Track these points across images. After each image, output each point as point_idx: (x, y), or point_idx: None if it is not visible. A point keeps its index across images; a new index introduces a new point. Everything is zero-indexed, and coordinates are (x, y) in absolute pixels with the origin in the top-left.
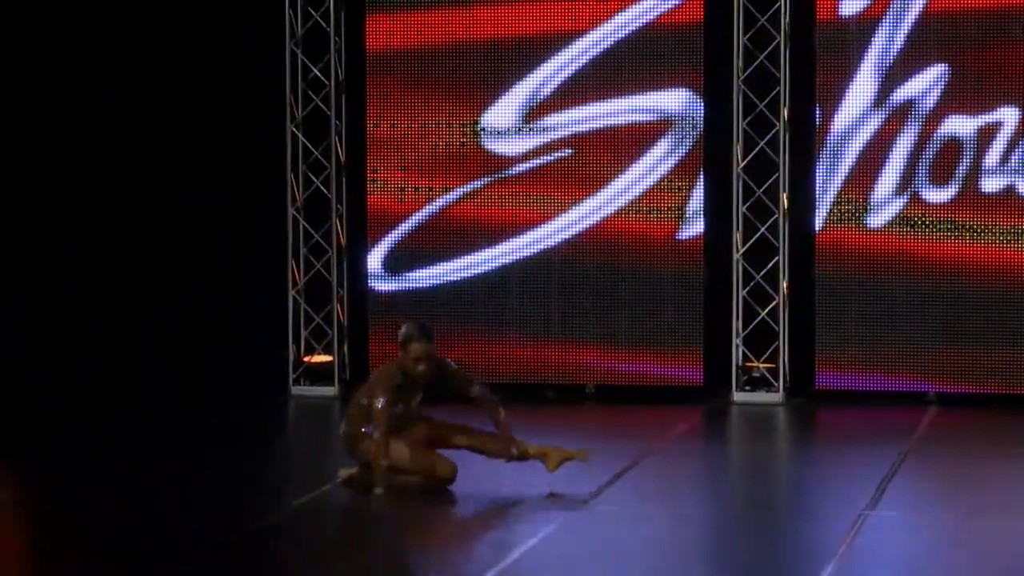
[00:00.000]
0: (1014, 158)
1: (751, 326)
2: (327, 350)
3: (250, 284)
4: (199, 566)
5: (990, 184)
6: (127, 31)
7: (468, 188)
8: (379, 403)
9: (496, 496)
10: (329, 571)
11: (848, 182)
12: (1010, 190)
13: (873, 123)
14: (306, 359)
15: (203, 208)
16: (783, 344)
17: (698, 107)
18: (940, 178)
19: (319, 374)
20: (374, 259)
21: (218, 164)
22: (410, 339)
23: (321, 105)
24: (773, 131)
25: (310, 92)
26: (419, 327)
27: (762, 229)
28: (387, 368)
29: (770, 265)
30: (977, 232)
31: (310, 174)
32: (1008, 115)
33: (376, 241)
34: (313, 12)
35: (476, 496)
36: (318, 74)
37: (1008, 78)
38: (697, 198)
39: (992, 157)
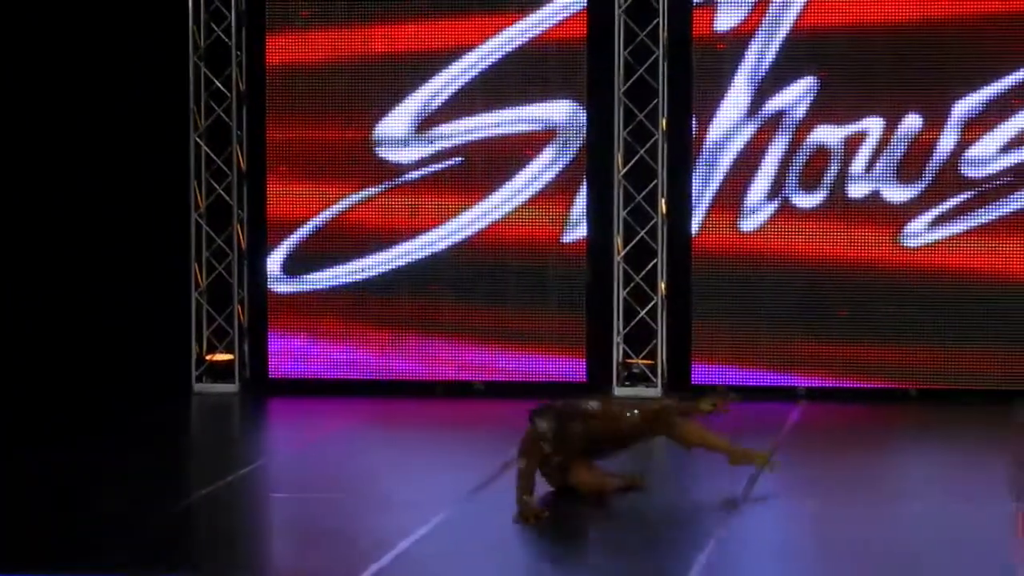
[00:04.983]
0: (878, 165)
1: (631, 325)
2: (228, 349)
3: (155, 286)
4: (108, 554)
5: (856, 190)
6: (35, 44)
7: (363, 194)
8: (520, 464)
9: (389, 487)
10: (234, 556)
11: (723, 188)
12: (875, 195)
13: (746, 132)
14: (208, 357)
15: (109, 214)
16: (661, 342)
17: (581, 117)
18: (809, 184)
19: (220, 372)
20: (273, 262)
21: (124, 172)
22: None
23: (223, 116)
24: (652, 140)
25: (212, 103)
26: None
27: (641, 233)
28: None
29: (649, 267)
30: (843, 235)
31: (212, 181)
32: (873, 125)
33: (275, 245)
34: (215, 27)
35: (375, 485)
36: (220, 86)
37: (873, 90)
38: (580, 204)
39: (858, 164)
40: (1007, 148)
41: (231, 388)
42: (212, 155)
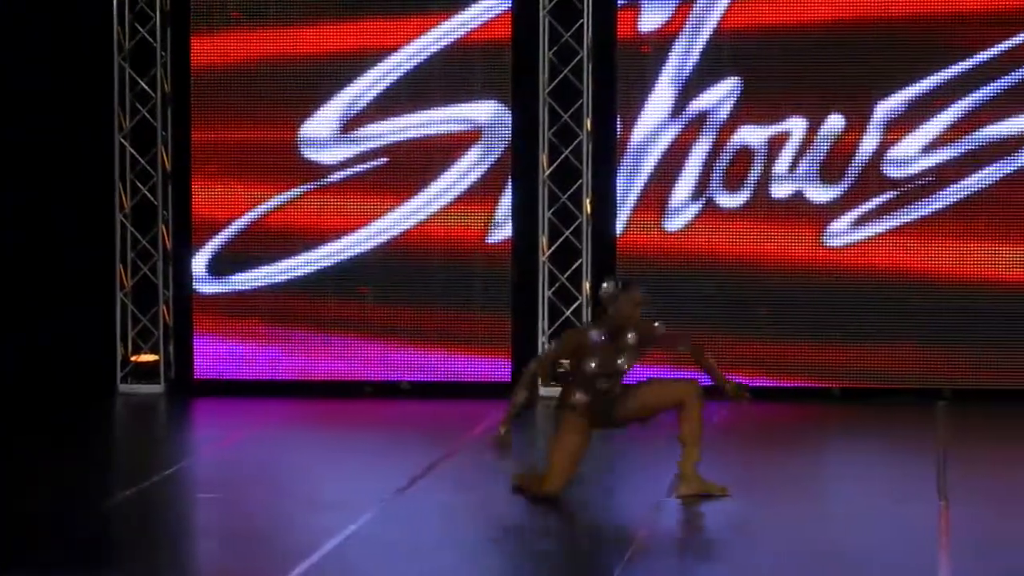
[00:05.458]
0: (801, 166)
1: (556, 324)
2: (153, 350)
3: (80, 287)
4: (32, 554)
5: (779, 190)
6: None
7: (289, 195)
8: (552, 346)
9: (315, 487)
10: (160, 557)
11: (647, 188)
12: (798, 195)
13: (670, 133)
14: (133, 358)
15: (34, 215)
16: None
17: (506, 118)
18: (733, 184)
19: (145, 373)
20: (199, 263)
21: (49, 173)
22: (627, 287)
23: (148, 116)
24: (577, 140)
25: (137, 104)
26: (626, 279)
27: (566, 233)
28: (577, 329)
29: (574, 267)
30: (767, 235)
31: (137, 182)
32: (796, 125)
33: (201, 246)
34: (140, 28)
35: (301, 486)
36: (145, 87)
37: (795, 90)
38: (505, 204)
39: (781, 165)
40: (928, 149)
41: (156, 389)
42: (137, 156)
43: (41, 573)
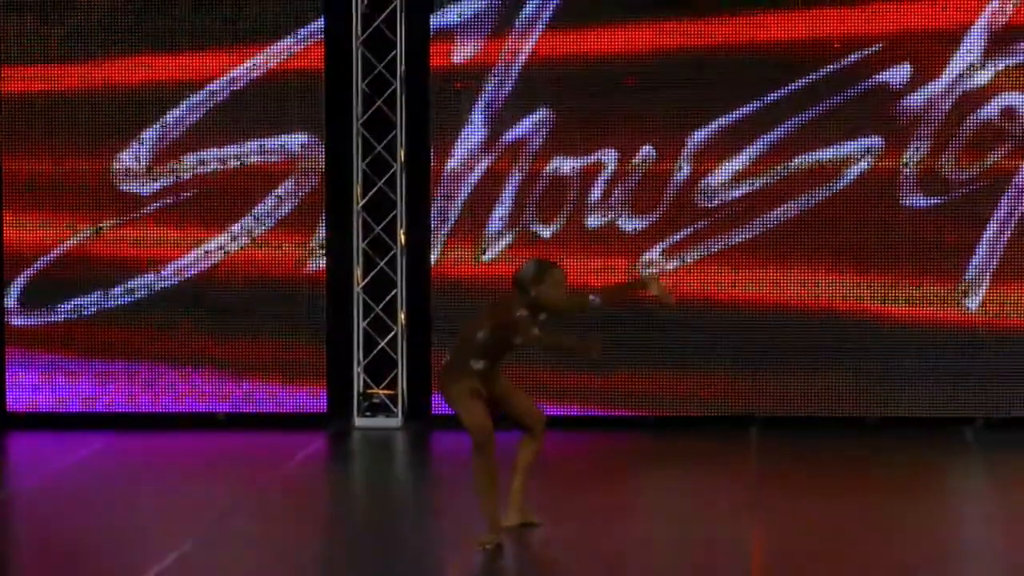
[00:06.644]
0: (615, 196)
1: (371, 355)
2: None
3: None
4: None
5: (593, 220)
6: None
7: (101, 226)
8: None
9: (129, 520)
10: None
11: (461, 218)
12: (611, 225)
13: (484, 163)
14: None
15: None
16: (401, 372)
17: (319, 149)
18: (547, 215)
19: None
20: (10, 295)
21: None
22: (553, 267)
23: None
24: (391, 171)
25: None
26: (544, 261)
27: (381, 264)
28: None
29: (388, 297)
30: (581, 264)
31: None
32: (608, 157)
33: (12, 278)
34: None
35: (115, 519)
36: None
37: (607, 122)
38: (319, 235)
39: (595, 195)
40: (739, 179)
41: None
42: None
43: None
